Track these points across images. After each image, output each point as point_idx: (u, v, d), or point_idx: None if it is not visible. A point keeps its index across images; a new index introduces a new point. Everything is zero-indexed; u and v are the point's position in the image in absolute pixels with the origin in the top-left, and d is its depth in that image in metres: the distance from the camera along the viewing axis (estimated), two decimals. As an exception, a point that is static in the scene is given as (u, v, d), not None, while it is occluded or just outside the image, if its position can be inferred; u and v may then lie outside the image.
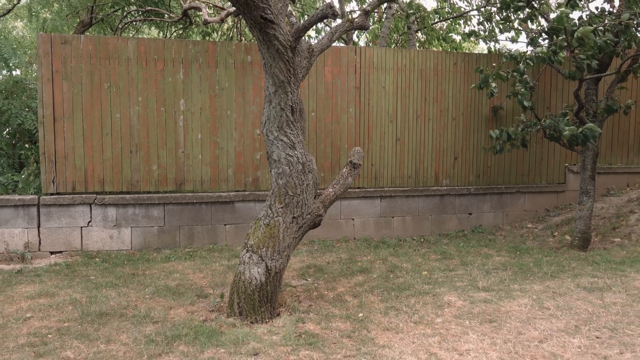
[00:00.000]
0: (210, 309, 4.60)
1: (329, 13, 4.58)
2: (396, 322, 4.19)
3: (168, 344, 3.77)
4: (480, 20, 9.54)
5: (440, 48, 13.09)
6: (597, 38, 6.00)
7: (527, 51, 7.29)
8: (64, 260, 6.44)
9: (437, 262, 6.23)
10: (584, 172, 6.72)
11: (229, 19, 9.94)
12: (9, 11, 11.07)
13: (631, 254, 5.93)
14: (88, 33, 10.15)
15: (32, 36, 11.48)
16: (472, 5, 11.90)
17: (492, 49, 11.89)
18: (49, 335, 3.97)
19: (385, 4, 11.15)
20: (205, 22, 7.73)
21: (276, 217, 4.31)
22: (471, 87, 7.76)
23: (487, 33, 9.85)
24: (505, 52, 7.32)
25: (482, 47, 14.92)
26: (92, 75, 6.83)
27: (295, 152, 4.41)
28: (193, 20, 9.45)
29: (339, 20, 7.79)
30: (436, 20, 11.72)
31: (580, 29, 5.72)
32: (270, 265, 4.17)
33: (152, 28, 12.56)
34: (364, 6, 6.51)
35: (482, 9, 10.05)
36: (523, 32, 8.55)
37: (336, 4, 10.50)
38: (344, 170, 4.97)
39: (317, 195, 4.72)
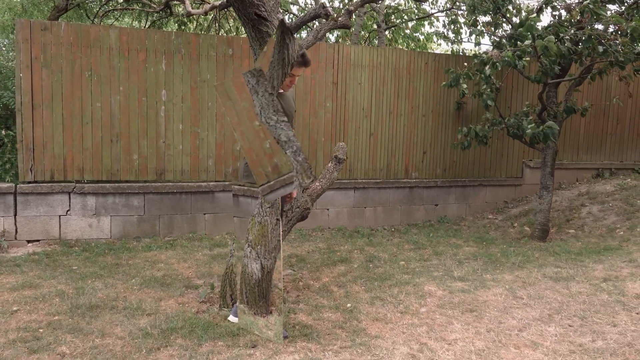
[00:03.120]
0: (200, 300, 4.44)
1: (321, 13, 4.42)
2: (384, 313, 4.16)
3: (165, 337, 3.60)
4: (447, 23, 9.57)
5: (406, 46, 13.08)
6: (562, 46, 6.11)
7: (492, 55, 7.37)
8: (42, 249, 6.09)
9: (412, 252, 6.25)
10: (545, 168, 6.88)
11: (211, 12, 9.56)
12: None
13: (586, 245, 6.13)
14: (62, 19, 9.54)
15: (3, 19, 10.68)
16: (437, 7, 11.95)
17: (455, 51, 12.01)
18: (40, 330, 3.72)
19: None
20: (189, 14, 7.40)
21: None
22: (442, 85, 7.78)
23: (453, 35, 9.92)
24: (478, 55, 7.38)
25: (444, 48, 15.04)
26: (73, 64, 6.42)
27: None
28: (173, 11, 9.02)
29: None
30: (404, 18, 11.70)
31: (545, 38, 5.80)
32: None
33: (126, 18, 11.92)
34: (347, 6, 6.39)
35: (449, 12, 10.09)
36: (486, 35, 8.64)
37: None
38: (329, 165, 4.85)
39: (304, 189, 4.60)
